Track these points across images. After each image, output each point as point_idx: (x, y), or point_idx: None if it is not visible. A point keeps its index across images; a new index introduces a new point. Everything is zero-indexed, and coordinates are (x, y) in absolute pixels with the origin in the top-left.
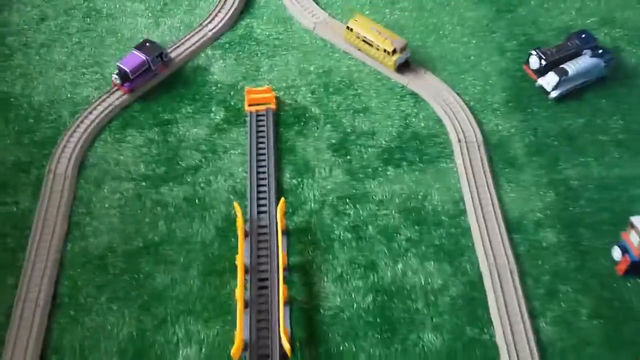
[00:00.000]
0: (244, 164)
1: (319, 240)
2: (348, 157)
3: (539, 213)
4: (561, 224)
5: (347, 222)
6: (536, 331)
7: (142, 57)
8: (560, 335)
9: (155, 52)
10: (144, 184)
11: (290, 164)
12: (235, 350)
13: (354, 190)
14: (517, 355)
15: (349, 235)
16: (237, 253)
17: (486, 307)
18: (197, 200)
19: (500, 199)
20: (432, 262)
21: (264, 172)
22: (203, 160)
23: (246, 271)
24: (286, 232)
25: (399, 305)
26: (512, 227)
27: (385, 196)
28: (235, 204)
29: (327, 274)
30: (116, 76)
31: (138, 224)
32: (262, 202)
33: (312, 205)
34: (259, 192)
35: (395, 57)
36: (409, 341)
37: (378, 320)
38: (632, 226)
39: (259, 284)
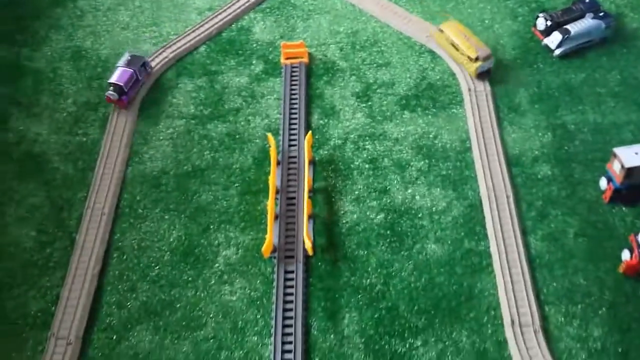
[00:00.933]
0: (279, 107)
1: (341, 169)
2: (369, 103)
3: (536, 151)
4: (556, 160)
5: (365, 155)
6: (526, 245)
7: (130, 70)
8: (548, 249)
9: (139, 63)
10: (193, 121)
11: (319, 107)
12: (265, 248)
13: (373, 130)
14: (508, 262)
15: (367, 166)
16: (269, 179)
17: (483, 225)
18: (237, 136)
19: (502, 139)
20: (438, 189)
21: (295, 114)
22: (243, 103)
23: (277, 192)
24: (312, 162)
25: (407, 222)
26: (511, 161)
27: (400, 135)
28: (269, 135)
29: (346, 196)
30: (112, 92)
31: (187, 153)
32: (292, 137)
33: (336, 141)
34: (290, 129)
35: (476, 65)
36: (414, 250)
37: (388, 232)
38: (615, 156)
39: (287, 202)
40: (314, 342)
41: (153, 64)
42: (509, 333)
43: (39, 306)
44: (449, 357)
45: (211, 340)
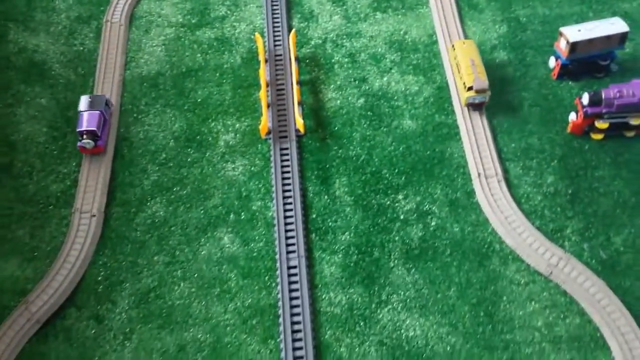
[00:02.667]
0: (262, 14)
1: (322, 64)
2: (344, 7)
3: (494, 40)
4: (511, 47)
5: (344, 51)
6: (488, 116)
7: (97, 112)
8: (507, 119)
9: (101, 102)
10: (182, 29)
11: (298, 13)
12: (262, 127)
13: (349, 30)
14: (473, 130)
15: (346, 60)
16: (259, 72)
17: (450, 103)
18: (225, 40)
19: (464, 32)
20: (410, 76)
21: (277, 19)
22: (228, 11)
23: (267, 85)
24: (297, 59)
25: (384, 104)
26: None
27: (374, 33)
28: (257, 34)
29: (329, 86)
30: (86, 141)
31: (180, 57)
32: (277, 38)
33: (316, 41)
34: (274, 32)
35: (467, 94)
36: (392, 126)
37: (369, 113)
38: (561, 34)
39: (277, 92)
40: (310, 203)
41: None
42: (476, 184)
43: (60, 188)
44: (427, 205)
45: (220, 207)
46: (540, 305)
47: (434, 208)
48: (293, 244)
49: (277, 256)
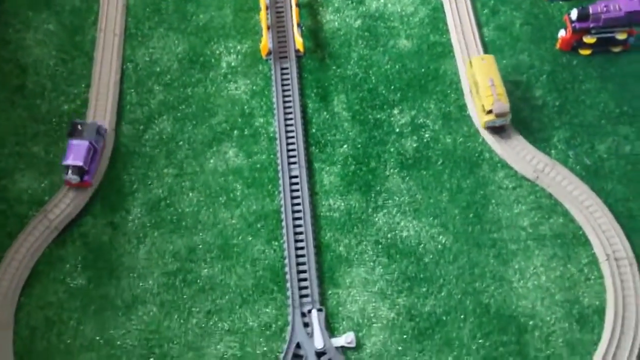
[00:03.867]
0: None
1: None
2: None
3: None
4: None
5: None
6: (481, 35)
7: (85, 142)
8: (499, 37)
9: (92, 131)
10: None
11: None
12: (262, 47)
13: None
14: (467, 48)
15: None
16: None
17: (445, 22)
18: None
19: None
20: None
21: None
22: None
23: (267, 8)
24: None
25: (381, 24)
26: None
27: None
28: None
29: (327, 8)
30: (72, 176)
31: None
32: None
33: None
34: None
35: (487, 118)
36: (388, 45)
37: (366, 34)
38: None
39: (277, 14)
40: (310, 118)
41: None
42: (467, 98)
43: (71, 108)
44: (421, 119)
45: (224, 124)
46: (526, 207)
47: (427, 121)
48: (294, 156)
49: (280, 167)
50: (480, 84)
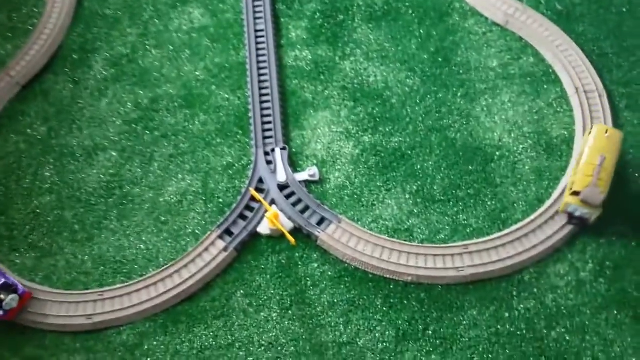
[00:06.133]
0: None
1: None
2: None
3: None
4: None
5: None
6: None
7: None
8: None
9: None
10: None
11: None
12: None
13: None
14: None
15: None
16: None
17: None
18: None
19: None
20: None
21: None
22: None
23: None
24: None
25: None
26: None
27: None
28: None
29: None
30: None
31: None
32: None
33: None
34: None
35: (569, 200)
36: None
37: None
38: None
39: None
40: None
41: None
42: None
43: None
44: None
45: None
46: (496, 50)
47: None
48: (260, 12)
49: (245, 21)
50: (586, 158)
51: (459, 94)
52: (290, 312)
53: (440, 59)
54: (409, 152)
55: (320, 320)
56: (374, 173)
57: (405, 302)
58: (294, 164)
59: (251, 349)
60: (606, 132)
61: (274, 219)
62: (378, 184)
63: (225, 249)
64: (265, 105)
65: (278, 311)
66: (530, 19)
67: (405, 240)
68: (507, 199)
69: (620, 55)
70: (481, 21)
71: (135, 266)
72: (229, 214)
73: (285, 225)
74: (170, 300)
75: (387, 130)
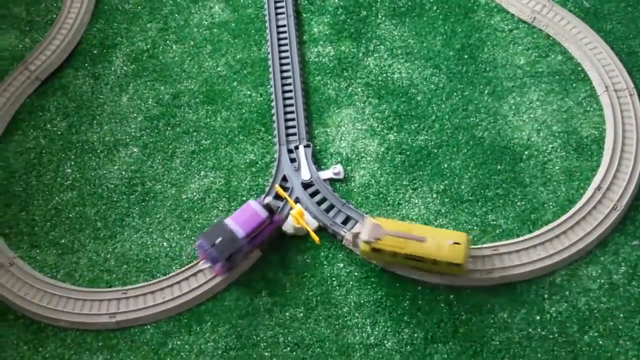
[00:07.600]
0: None
1: None
2: None
3: None
4: None
5: None
6: None
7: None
8: None
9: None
10: None
11: None
12: None
13: None
14: None
15: None
16: None
17: None
18: None
19: None
20: None
21: None
22: None
23: None
24: None
25: None
26: None
27: None
28: None
29: None
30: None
31: None
32: None
33: None
34: None
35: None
36: None
37: None
38: None
39: None
40: None
41: None
42: None
43: None
44: None
45: None
46: (522, 47)
47: None
48: (282, 7)
49: (267, 17)
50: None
51: (486, 92)
52: (315, 312)
53: (465, 56)
54: (435, 151)
55: (346, 321)
56: (399, 171)
57: (434, 303)
58: (317, 162)
59: (276, 349)
60: None
61: (298, 217)
62: (404, 182)
63: None
64: (288, 102)
65: (303, 311)
66: (557, 15)
67: None
68: (536, 199)
69: None
70: (507, 18)
71: (159, 264)
72: None
73: (310, 223)
74: (194, 299)
75: (413, 128)
